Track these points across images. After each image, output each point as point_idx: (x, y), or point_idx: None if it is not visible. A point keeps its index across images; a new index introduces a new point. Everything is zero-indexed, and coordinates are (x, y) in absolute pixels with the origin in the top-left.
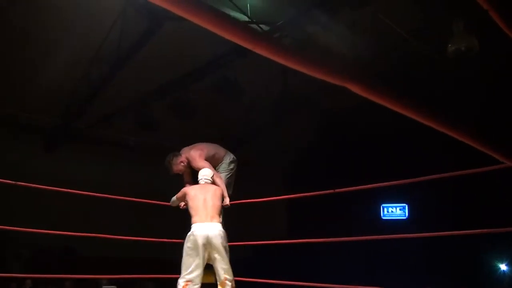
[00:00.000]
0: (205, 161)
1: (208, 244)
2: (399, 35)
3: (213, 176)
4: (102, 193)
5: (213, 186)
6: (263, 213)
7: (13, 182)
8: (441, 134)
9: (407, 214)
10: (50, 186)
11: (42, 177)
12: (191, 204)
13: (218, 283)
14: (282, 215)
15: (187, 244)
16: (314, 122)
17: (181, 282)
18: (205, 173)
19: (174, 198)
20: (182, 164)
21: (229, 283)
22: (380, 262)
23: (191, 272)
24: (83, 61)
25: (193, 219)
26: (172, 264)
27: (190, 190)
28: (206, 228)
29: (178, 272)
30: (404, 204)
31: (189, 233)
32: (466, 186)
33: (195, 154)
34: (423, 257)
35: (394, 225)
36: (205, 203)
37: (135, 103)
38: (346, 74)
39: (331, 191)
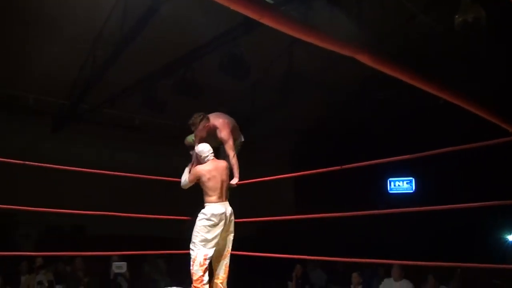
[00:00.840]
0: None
1: (226, 221)
2: (407, 11)
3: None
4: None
5: (223, 163)
6: (270, 193)
7: (21, 162)
8: (448, 107)
9: (413, 188)
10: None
11: (48, 158)
12: (209, 184)
13: (219, 255)
14: (289, 195)
15: (207, 223)
16: (321, 100)
17: (201, 258)
18: (209, 148)
19: (186, 181)
20: (206, 129)
21: (228, 256)
22: (387, 236)
23: (210, 248)
24: (87, 42)
25: (210, 198)
26: (180, 241)
27: (204, 171)
28: (224, 207)
29: (186, 248)
30: (411, 178)
31: (206, 211)
32: (473, 158)
33: (224, 123)
34: (430, 230)
35: (401, 198)
36: (222, 184)
37: (140, 83)
38: (355, 45)
39: (338, 167)
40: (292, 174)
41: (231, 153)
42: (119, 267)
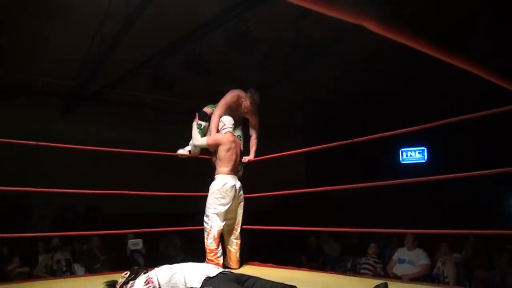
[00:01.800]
0: None
1: (236, 194)
2: None
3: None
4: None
5: (239, 141)
6: (281, 167)
7: (34, 143)
8: (460, 74)
9: (426, 157)
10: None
11: (61, 139)
12: (227, 154)
13: (230, 228)
14: (301, 168)
15: (219, 195)
16: (330, 72)
17: (214, 230)
18: (232, 121)
19: (203, 141)
20: (255, 106)
21: (239, 230)
22: (400, 206)
23: (223, 220)
24: (93, 22)
25: (224, 170)
26: (194, 216)
27: (226, 140)
28: (234, 180)
29: (201, 224)
30: (423, 148)
31: (218, 183)
32: (486, 125)
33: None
34: (444, 199)
35: (414, 168)
36: (236, 157)
37: (148, 62)
38: (363, 12)
39: (350, 141)
40: (303, 150)
41: (256, 134)
42: (135, 244)
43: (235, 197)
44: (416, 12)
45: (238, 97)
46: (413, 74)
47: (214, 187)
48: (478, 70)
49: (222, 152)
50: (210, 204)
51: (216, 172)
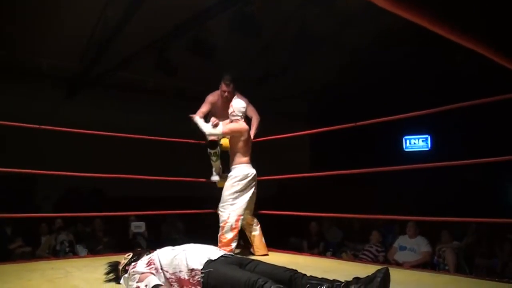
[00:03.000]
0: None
1: (253, 183)
2: None
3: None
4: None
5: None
6: (285, 153)
7: (37, 126)
8: (465, 62)
9: (429, 145)
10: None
11: (65, 123)
12: (245, 144)
13: (250, 216)
14: (304, 155)
15: (239, 186)
16: (334, 59)
17: (232, 218)
18: (242, 107)
19: (219, 131)
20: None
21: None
22: (402, 193)
23: (242, 208)
24: (98, 6)
25: (243, 159)
26: (196, 200)
27: (244, 130)
28: (252, 168)
29: (203, 207)
30: (427, 135)
31: (238, 174)
32: (489, 112)
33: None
34: (446, 187)
35: (417, 156)
36: (250, 146)
37: (153, 46)
38: None
39: (353, 124)
40: (306, 132)
41: (256, 115)
42: (138, 227)
43: (254, 186)
44: None
45: (217, 94)
46: (416, 63)
47: (235, 178)
48: (492, 53)
49: (240, 141)
50: (227, 196)
51: (235, 162)
